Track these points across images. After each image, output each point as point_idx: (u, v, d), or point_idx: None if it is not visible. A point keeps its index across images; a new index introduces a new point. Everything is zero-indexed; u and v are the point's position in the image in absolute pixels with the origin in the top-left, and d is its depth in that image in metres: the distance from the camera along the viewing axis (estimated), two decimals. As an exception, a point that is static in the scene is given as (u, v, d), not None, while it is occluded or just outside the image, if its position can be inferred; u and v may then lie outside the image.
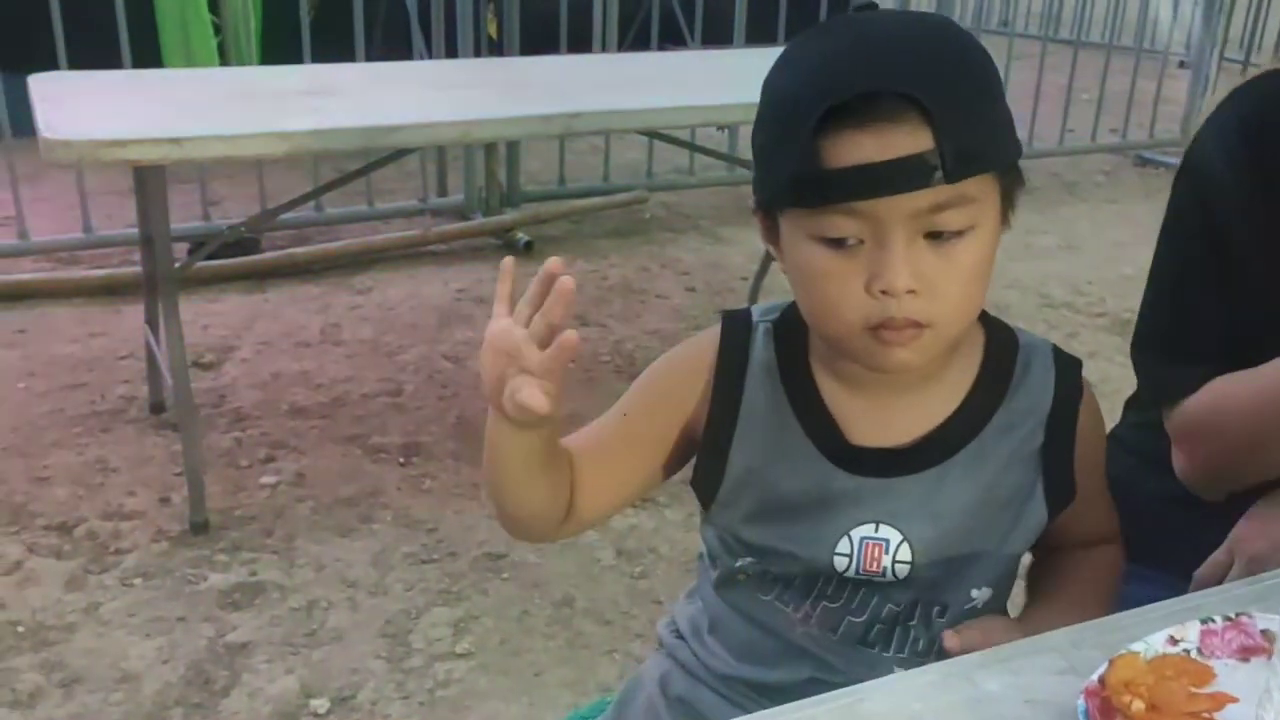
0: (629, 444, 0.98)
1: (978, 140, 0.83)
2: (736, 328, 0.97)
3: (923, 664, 0.93)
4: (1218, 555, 1.04)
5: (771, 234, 0.91)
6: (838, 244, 0.84)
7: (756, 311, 0.99)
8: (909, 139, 0.80)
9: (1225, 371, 1.06)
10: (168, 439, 2.68)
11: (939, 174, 0.80)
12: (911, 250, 0.83)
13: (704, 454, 0.96)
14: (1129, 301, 3.37)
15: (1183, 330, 1.12)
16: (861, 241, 0.83)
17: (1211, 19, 5.30)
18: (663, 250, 4.13)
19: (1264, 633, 0.80)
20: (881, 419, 0.93)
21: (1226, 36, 5.48)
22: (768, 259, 3.30)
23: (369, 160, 2.94)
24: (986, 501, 0.93)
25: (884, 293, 0.83)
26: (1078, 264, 4.12)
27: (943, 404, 0.93)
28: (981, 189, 0.84)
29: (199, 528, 2.36)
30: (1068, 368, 0.96)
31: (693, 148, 3.66)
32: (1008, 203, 0.89)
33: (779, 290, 3.38)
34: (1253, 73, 1.16)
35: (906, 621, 0.95)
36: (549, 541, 0.97)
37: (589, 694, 1.98)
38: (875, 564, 0.92)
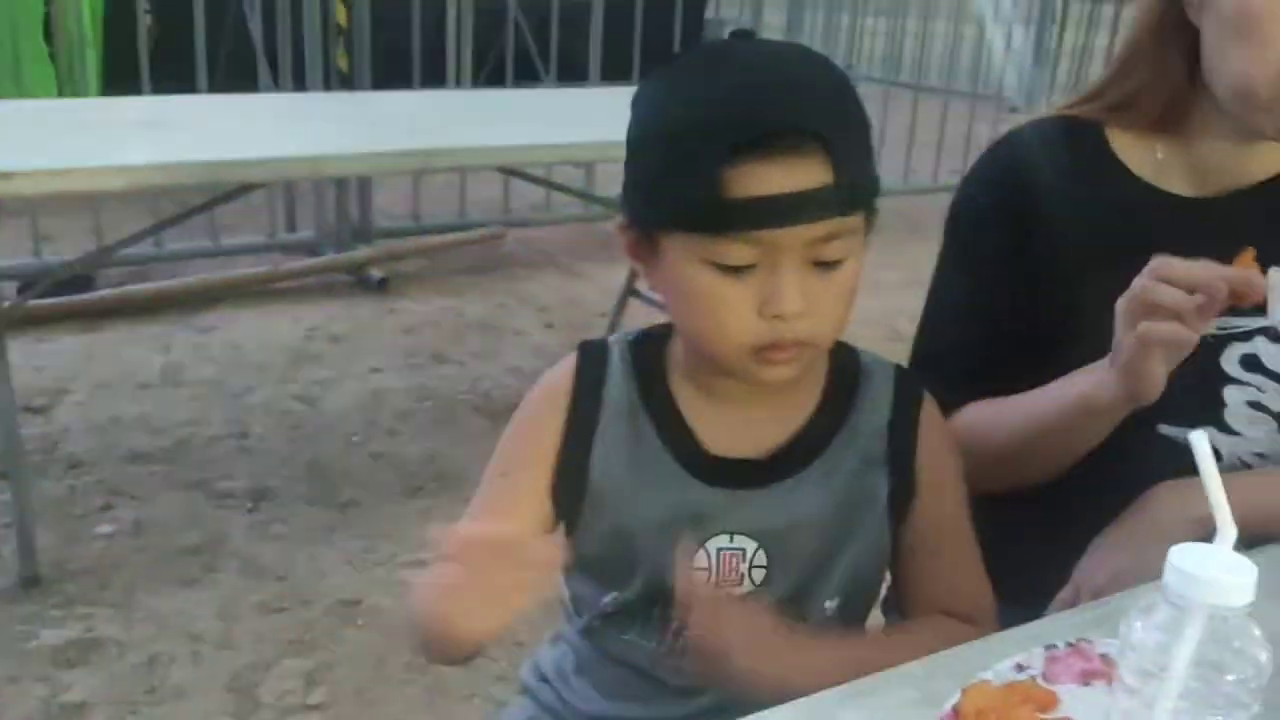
0: (518, 501, 0.96)
1: (865, 174, 0.88)
2: (592, 352, 0.99)
3: None
4: (1064, 594, 1.06)
5: (643, 251, 0.92)
6: (731, 270, 0.86)
7: (613, 338, 1.00)
8: (811, 173, 0.84)
9: (970, 392, 1.13)
10: (-6, 488, 2.53)
11: (836, 206, 0.85)
12: (800, 275, 0.86)
13: (562, 474, 0.95)
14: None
15: (940, 354, 1.19)
16: (753, 266, 0.86)
17: (1041, 66, 5.60)
18: (520, 287, 4.11)
19: (1103, 657, 0.83)
20: (738, 430, 0.95)
21: (1054, 82, 5.81)
22: (625, 295, 3.31)
23: (213, 195, 2.84)
24: (838, 510, 0.96)
25: (775, 317, 0.86)
26: (923, 299, 4.25)
27: (795, 415, 0.97)
28: (858, 221, 0.89)
29: (30, 582, 2.23)
30: (906, 380, 1.02)
31: (550, 185, 3.66)
32: (868, 234, 0.93)
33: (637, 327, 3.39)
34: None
35: None
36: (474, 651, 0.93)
37: (448, 741, 1.93)
38: (734, 573, 0.94)
